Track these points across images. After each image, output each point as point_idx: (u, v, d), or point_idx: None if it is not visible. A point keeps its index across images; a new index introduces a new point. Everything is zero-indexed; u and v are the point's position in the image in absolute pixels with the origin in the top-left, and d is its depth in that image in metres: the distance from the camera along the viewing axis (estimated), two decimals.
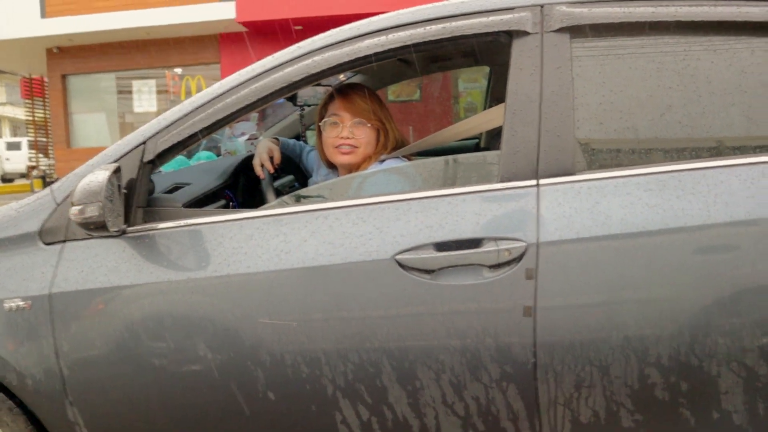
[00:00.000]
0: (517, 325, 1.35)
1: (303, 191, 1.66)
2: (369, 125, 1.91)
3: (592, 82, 1.45)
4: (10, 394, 1.59)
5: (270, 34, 11.92)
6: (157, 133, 1.55)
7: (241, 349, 1.44)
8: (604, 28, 1.45)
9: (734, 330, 1.31)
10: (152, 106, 13.71)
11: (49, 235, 1.57)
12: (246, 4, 11.33)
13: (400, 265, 1.39)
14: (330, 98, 1.97)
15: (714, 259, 1.34)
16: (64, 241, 1.56)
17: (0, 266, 1.57)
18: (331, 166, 2.07)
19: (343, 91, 1.96)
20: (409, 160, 1.92)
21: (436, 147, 2.46)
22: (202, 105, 1.55)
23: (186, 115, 1.55)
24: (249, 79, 1.54)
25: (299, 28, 11.60)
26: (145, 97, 13.79)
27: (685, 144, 1.44)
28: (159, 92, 13.70)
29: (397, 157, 1.89)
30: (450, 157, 1.63)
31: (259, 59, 1.57)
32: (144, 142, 1.55)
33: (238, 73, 1.57)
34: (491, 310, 1.36)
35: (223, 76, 12.48)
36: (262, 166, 2.14)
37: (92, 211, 1.41)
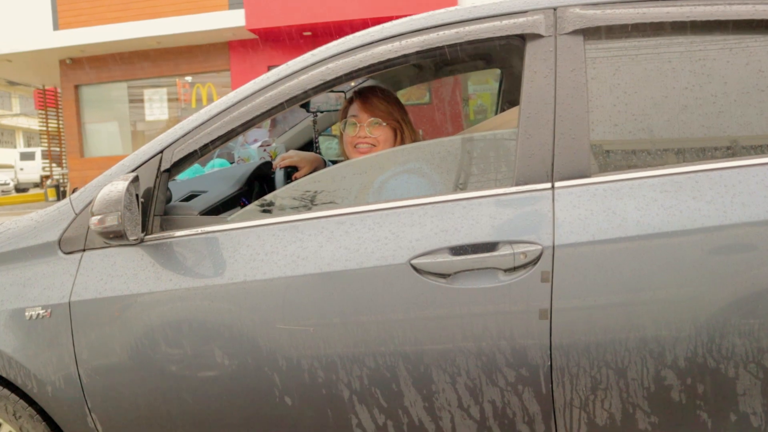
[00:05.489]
0: (532, 328, 1.35)
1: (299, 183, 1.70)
2: (385, 125, 1.98)
3: (606, 84, 1.44)
4: (31, 401, 1.61)
5: (279, 40, 11.98)
6: (174, 142, 1.57)
7: (259, 355, 1.45)
8: (617, 29, 1.45)
9: (752, 331, 1.30)
10: (164, 114, 13.83)
11: (69, 245, 1.58)
12: (255, 11, 11.40)
13: (416, 269, 1.39)
14: (350, 101, 2.05)
15: (731, 260, 1.33)
16: (83, 250, 1.57)
17: (21, 275, 1.60)
18: None
19: (362, 93, 2.03)
20: None
21: None
22: (218, 114, 1.56)
23: (202, 124, 1.56)
24: (264, 88, 1.55)
25: (308, 34, 11.66)
26: (156, 105, 13.90)
27: (701, 145, 1.43)
28: (170, 100, 13.81)
29: None
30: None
31: (269, 65, 1.59)
32: (161, 152, 1.57)
33: (253, 81, 1.58)
34: (507, 314, 1.36)
35: (233, 84, 12.59)
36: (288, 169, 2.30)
37: (112, 221, 1.43)
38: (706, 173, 1.37)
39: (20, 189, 24.90)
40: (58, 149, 17.01)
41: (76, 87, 14.01)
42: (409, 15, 1.63)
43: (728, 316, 1.31)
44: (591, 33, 1.45)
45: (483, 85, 11.71)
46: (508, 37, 1.49)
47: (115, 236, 1.47)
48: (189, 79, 13.59)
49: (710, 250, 1.33)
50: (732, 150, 1.42)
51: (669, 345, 1.32)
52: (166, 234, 1.55)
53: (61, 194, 15.72)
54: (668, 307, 1.33)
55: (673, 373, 1.33)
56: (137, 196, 1.50)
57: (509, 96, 2.82)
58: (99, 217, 1.44)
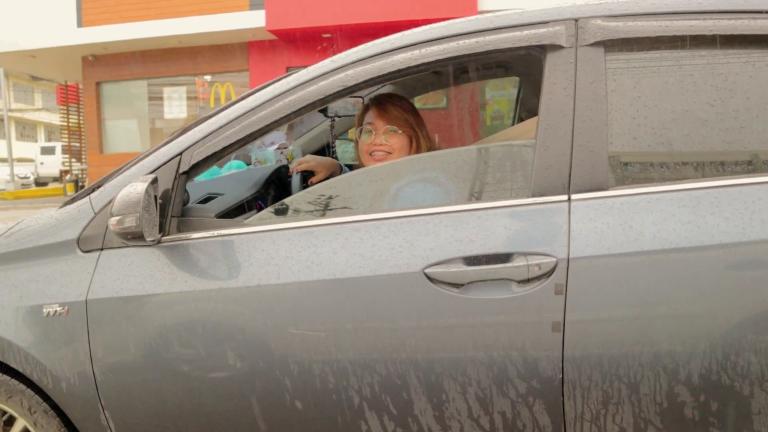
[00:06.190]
0: (545, 340, 1.35)
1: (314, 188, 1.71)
2: (401, 132, 1.98)
3: (626, 97, 1.44)
4: (46, 397, 1.63)
5: (299, 42, 12.04)
6: (193, 144, 1.58)
7: (271, 359, 1.46)
8: (639, 42, 1.44)
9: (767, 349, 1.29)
10: (182, 113, 13.95)
11: (87, 243, 1.60)
12: (276, 12, 11.46)
13: (430, 278, 1.39)
14: (366, 108, 2.05)
15: (748, 277, 1.31)
16: (101, 249, 1.59)
17: (40, 272, 1.62)
18: None
19: (378, 101, 2.03)
20: None
21: None
22: (237, 118, 1.57)
23: (221, 127, 1.58)
24: (283, 92, 1.56)
25: (327, 36, 11.69)
26: (175, 103, 14.03)
27: (720, 159, 1.42)
28: (189, 99, 13.93)
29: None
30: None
31: (287, 66, 1.60)
32: (180, 154, 1.58)
33: (272, 86, 1.59)
34: (519, 325, 1.36)
35: (251, 84, 12.66)
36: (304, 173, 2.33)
37: (130, 222, 1.45)
38: (726, 189, 1.35)
39: (40, 183, 25.20)
40: (78, 144, 17.20)
41: (98, 84, 14.18)
42: (428, 19, 1.63)
43: (744, 334, 1.30)
44: (612, 45, 1.44)
45: (500, 90, 11.67)
46: (528, 47, 1.49)
47: (133, 237, 1.49)
48: (208, 78, 13.70)
49: (728, 267, 1.32)
50: (752, 166, 1.40)
51: (683, 361, 1.31)
52: (182, 236, 1.56)
53: (79, 189, 15.88)
54: (683, 322, 1.32)
55: (687, 389, 1.32)
56: (156, 197, 1.51)
57: (527, 104, 2.81)
58: (118, 217, 1.46)
